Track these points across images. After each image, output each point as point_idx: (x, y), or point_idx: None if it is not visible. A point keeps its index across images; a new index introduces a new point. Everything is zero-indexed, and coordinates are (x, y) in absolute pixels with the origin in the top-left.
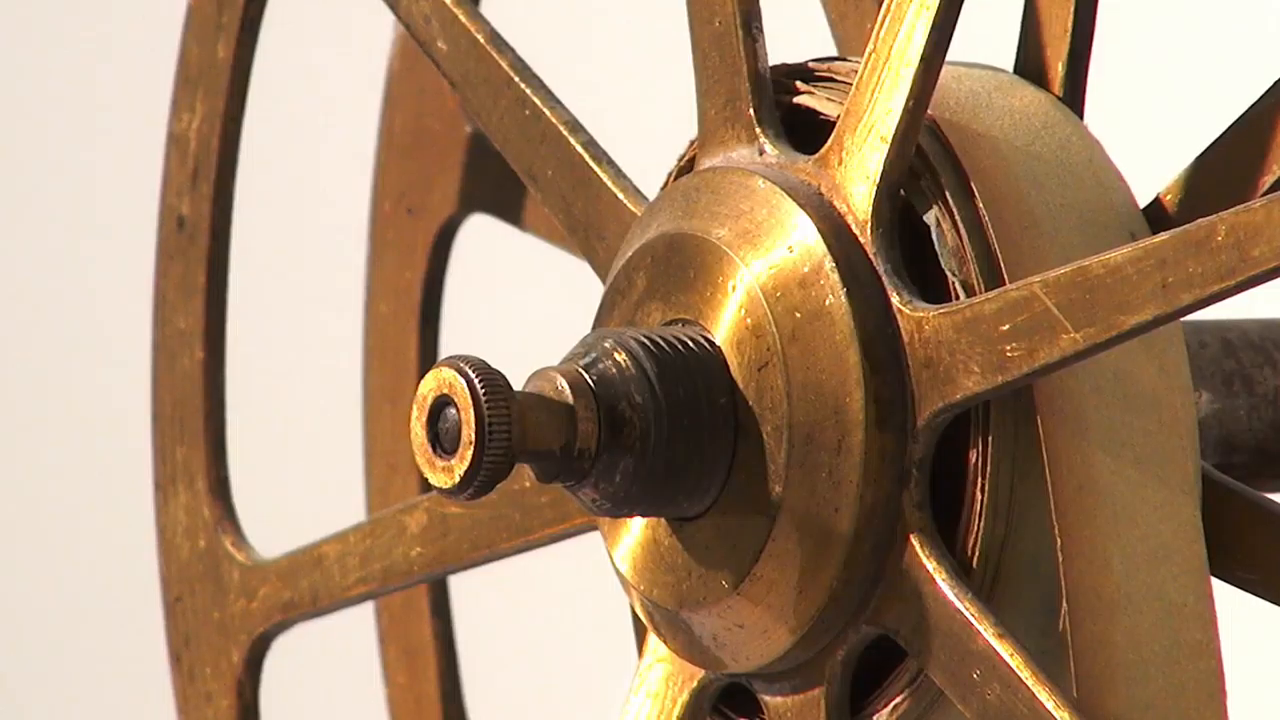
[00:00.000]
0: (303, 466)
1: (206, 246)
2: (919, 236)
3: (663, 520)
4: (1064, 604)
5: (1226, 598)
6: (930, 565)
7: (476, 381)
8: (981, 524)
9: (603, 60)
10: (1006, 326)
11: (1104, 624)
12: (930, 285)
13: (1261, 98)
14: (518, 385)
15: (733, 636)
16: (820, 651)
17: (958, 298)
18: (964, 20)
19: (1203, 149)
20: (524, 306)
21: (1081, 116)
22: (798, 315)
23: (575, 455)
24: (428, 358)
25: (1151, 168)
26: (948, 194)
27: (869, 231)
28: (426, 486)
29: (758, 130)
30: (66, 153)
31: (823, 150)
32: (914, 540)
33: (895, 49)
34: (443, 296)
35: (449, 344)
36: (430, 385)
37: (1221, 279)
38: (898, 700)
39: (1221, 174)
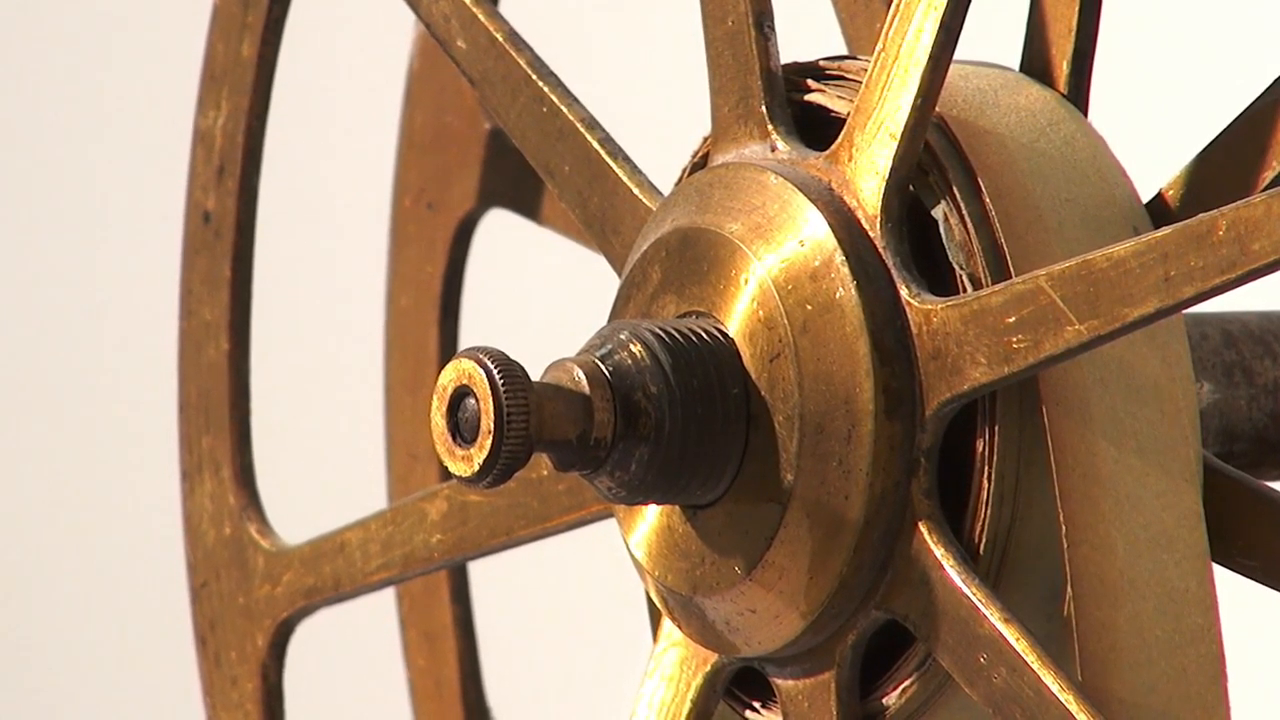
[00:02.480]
0: (326, 455)
1: (232, 240)
2: (927, 231)
3: (677, 508)
4: (1068, 589)
5: (1227, 584)
6: (938, 552)
7: (495, 372)
8: (988, 511)
9: (618, 59)
10: (1012, 318)
11: (1108, 609)
12: (938, 278)
13: (1262, 95)
14: (535, 376)
15: (745, 621)
16: (831, 636)
17: (965, 290)
18: (971, 19)
19: (1204, 145)
20: (541, 299)
21: (1086, 114)
22: (809, 307)
23: (591, 444)
24: (448, 349)
25: (1154, 164)
26: (955, 189)
27: (878, 226)
28: (446, 475)
29: (770, 127)
30: (95, 149)
31: (833, 146)
32: (922, 527)
33: (904, 48)
34: (462, 289)
35: (468, 336)
36: (450, 376)
37: (1222, 272)
38: (906, 683)
39: (1222, 170)
